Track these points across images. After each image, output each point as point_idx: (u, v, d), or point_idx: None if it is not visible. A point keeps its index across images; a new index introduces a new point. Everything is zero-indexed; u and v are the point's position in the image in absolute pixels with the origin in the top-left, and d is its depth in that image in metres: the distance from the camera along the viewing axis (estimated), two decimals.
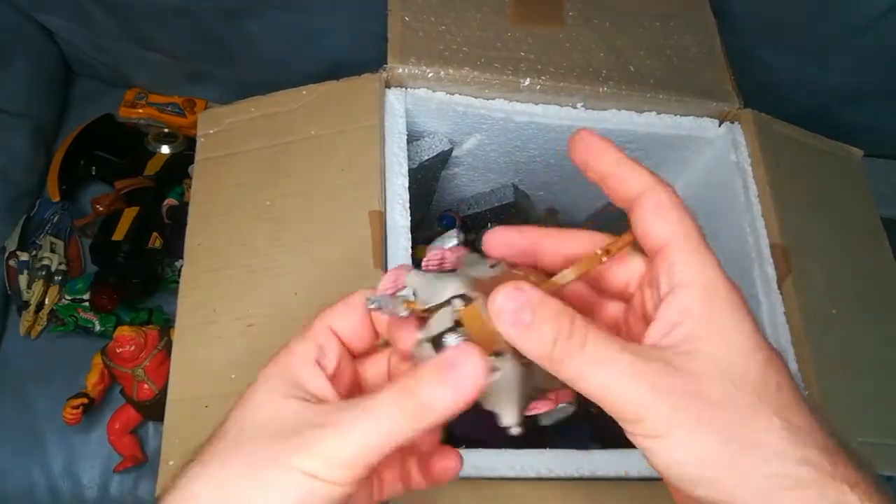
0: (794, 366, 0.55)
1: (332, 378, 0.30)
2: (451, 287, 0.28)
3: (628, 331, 0.31)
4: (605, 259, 0.29)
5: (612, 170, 0.29)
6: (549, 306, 0.26)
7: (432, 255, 0.31)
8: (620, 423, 0.26)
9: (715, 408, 0.25)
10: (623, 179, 0.29)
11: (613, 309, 0.32)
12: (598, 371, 0.25)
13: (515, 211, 0.79)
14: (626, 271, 0.31)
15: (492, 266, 0.30)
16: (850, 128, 0.78)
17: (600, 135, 0.30)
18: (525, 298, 0.26)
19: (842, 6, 0.79)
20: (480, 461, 0.47)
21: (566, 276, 0.28)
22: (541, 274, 0.30)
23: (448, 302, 0.28)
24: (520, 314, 0.26)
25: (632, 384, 0.25)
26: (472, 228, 0.82)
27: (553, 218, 0.82)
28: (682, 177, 0.73)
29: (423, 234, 0.78)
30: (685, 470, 0.25)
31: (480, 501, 0.47)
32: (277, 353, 0.31)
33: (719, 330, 0.26)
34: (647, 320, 0.29)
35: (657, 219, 0.28)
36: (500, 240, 0.31)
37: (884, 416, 0.56)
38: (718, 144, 0.66)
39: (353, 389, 0.32)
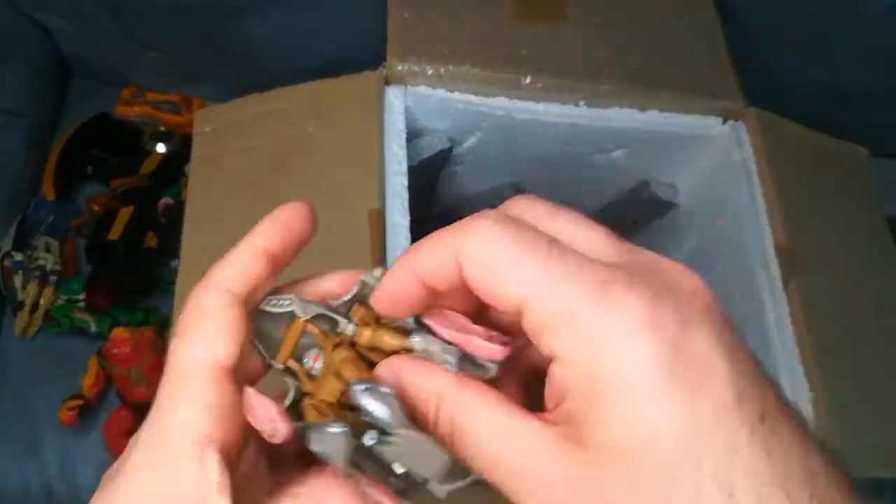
0: (799, 367, 0.55)
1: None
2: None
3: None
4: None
5: (414, 260, 0.22)
6: (416, 386, 0.23)
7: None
8: None
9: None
10: (426, 256, 0.22)
11: None
12: (468, 447, 0.21)
13: None
14: None
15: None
16: (855, 126, 0.78)
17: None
18: (392, 378, 0.23)
19: (844, 5, 0.78)
20: None
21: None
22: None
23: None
24: None
25: (503, 465, 0.20)
26: None
27: None
28: (686, 176, 0.73)
29: (422, 234, 0.77)
30: None
31: (480, 501, 0.46)
32: (152, 426, 0.23)
33: (603, 418, 0.19)
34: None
35: (494, 272, 0.20)
36: (392, 294, 0.23)
37: (889, 419, 0.56)
38: (722, 143, 0.65)
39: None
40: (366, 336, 0.25)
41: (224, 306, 0.23)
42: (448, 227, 0.22)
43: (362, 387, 0.22)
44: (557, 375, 0.20)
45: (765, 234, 0.59)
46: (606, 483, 0.19)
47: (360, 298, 0.26)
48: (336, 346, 0.25)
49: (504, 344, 0.23)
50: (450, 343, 0.24)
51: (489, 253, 0.20)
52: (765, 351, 0.57)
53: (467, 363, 0.23)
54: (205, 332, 0.23)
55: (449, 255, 0.21)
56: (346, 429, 0.21)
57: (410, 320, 0.25)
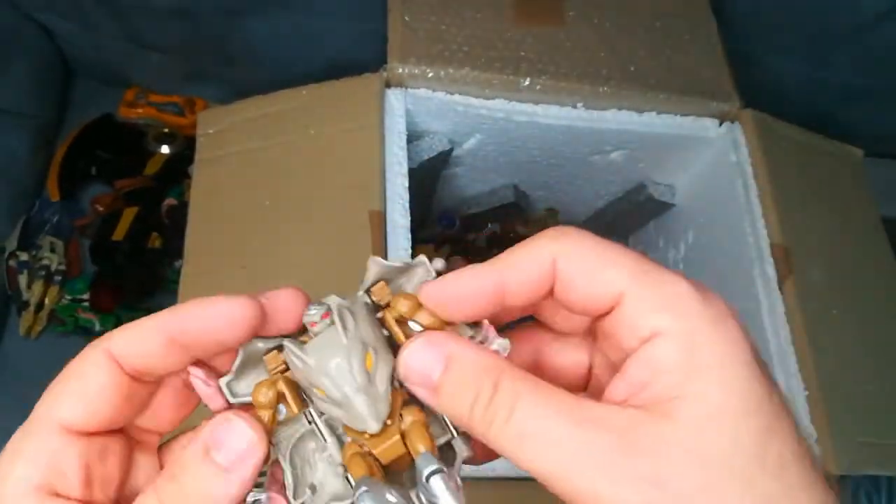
0: (794, 366, 0.55)
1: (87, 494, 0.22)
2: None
3: (596, 382, 0.25)
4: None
5: (503, 266, 0.22)
6: (467, 363, 0.21)
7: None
8: None
9: (687, 502, 0.19)
10: (521, 261, 0.22)
11: (576, 352, 0.25)
12: (529, 447, 0.20)
13: (516, 211, 0.79)
14: (574, 354, 0.25)
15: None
16: (851, 128, 0.78)
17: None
18: (437, 353, 0.21)
19: (842, 6, 0.79)
20: None
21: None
22: None
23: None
24: (429, 373, 0.21)
25: (574, 465, 0.19)
26: (472, 228, 0.81)
27: (553, 217, 0.82)
28: (682, 177, 0.73)
29: (423, 235, 0.78)
30: None
31: (480, 501, 0.47)
32: None
33: (702, 388, 0.19)
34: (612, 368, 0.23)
35: (590, 274, 0.21)
36: (459, 295, 0.23)
37: (884, 417, 0.56)
38: (719, 144, 0.65)
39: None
40: (404, 305, 0.23)
41: (98, 370, 0.22)
42: (534, 237, 0.22)
43: (434, 467, 0.20)
44: (654, 353, 0.20)
45: (760, 234, 0.60)
46: (697, 452, 0.19)
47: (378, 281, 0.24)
48: (405, 403, 0.23)
49: None
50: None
51: (591, 248, 0.22)
52: (761, 350, 0.57)
53: None
54: (64, 389, 0.22)
55: (546, 256, 0.22)
56: (403, 500, 0.20)
57: None
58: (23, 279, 0.80)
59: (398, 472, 0.23)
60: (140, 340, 0.22)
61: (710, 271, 0.68)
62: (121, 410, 0.22)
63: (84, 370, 0.22)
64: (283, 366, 0.23)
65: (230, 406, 0.23)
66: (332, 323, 0.22)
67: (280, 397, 0.23)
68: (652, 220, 0.81)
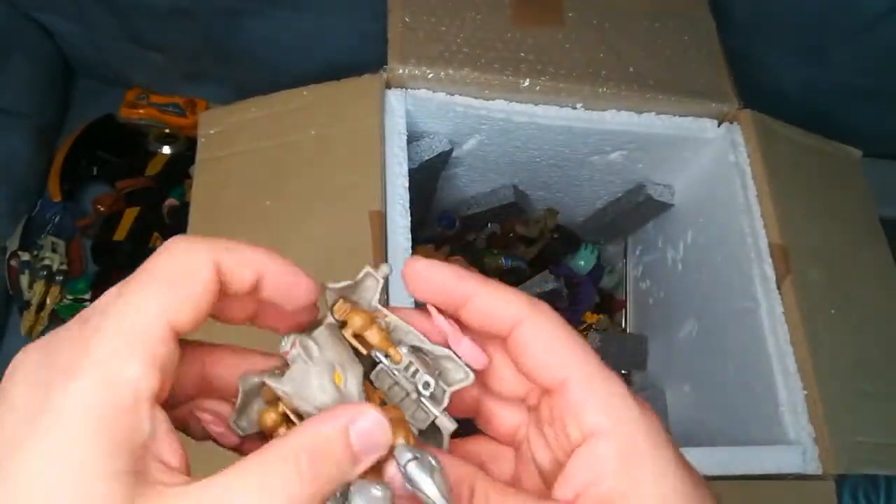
0: (792, 366, 0.55)
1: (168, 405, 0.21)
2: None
3: (518, 483, 0.27)
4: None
5: (475, 291, 0.25)
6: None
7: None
8: None
9: None
10: (489, 305, 0.25)
11: (503, 458, 0.28)
12: None
13: (516, 211, 0.79)
14: (514, 414, 0.27)
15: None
16: (850, 128, 0.78)
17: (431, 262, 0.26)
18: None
19: (842, 6, 0.79)
20: None
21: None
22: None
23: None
24: None
25: None
26: (472, 228, 0.82)
27: (553, 217, 0.82)
28: (681, 177, 0.73)
29: (423, 234, 0.78)
30: None
31: None
32: (76, 365, 0.20)
33: (640, 486, 0.23)
34: (539, 470, 0.26)
35: (547, 351, 0.24)
36: (431, 276, 0.26)
37: (882, 416, 0.56)
38: (717, 145, 0.66)
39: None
40: (357, 321, 0.26)
41: (208, 274, 0.22)
42: (516, 290, 0.25)
43: (410, 455, 0.22)
44: (596, 455, 0.23)
45: (759, 234, 0.60)
46: None
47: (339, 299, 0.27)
48: (383, 403, 0.26)
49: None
50: (427, 341, 0.26)
51: (554, 326, 0.25)
52: (759, 350, 0.58)
53: (445, 376, 0.26)
54: (177, 289, 0.21)
55: (514, 310, 0.25)
56: (389, 492, 0.22)
57: (391, 319, 0.27)
58: (24, 279, 0.80)
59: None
60: (244, 266, 0.23)
61: (708, 271, 0.69)
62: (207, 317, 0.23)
63: (194, 271, 0.21)
64: None
65: (242, 441, 0.26)
66: (299, 353, 0.25)
67: (284, 418, 0.25)
68: (651, 220, 0.82)
